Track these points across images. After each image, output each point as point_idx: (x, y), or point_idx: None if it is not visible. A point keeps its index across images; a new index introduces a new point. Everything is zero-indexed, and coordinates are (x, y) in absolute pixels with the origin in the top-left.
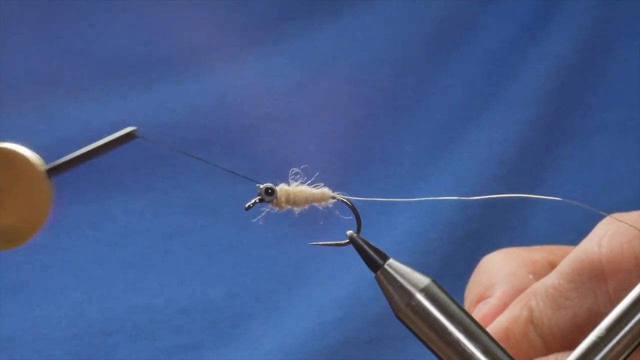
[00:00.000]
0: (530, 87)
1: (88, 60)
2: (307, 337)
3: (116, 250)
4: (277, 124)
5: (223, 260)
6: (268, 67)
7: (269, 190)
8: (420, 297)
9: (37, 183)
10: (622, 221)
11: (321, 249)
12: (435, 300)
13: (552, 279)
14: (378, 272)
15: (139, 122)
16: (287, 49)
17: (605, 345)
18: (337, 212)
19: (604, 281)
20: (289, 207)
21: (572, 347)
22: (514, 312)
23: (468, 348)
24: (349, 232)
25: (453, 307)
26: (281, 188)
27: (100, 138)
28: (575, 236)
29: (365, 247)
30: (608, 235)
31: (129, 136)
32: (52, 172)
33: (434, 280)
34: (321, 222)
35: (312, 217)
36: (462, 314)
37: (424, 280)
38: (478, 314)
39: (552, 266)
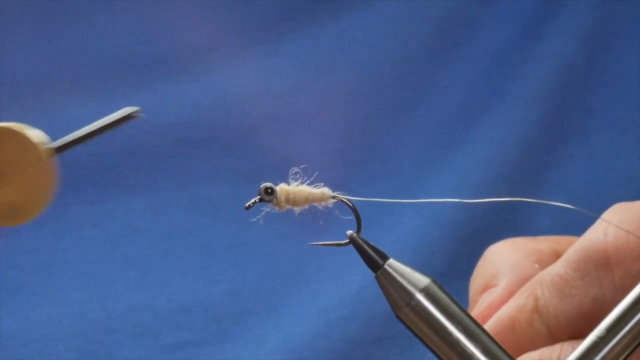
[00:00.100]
0: (531, 86)
1: (88, 60)
2: (310, 336)
3: (117, 249)
4: (277, 124)
5: (224, 259)
6: (268, 67)
7: (269, 190)
8: (420, 297)
9: (41, 160)
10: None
11: (322, 248)
12: (435, 300)
13: (557, 267)
14: (378, 272)
15: (140, 122)
16: (288, 48)
17: (605, 345)
18: (337, 212)
19: (609, 270)
20: (289, 206)
21: (577, 336)
22: (519, 301)
23: (468, 348)
24: (349, 232)
25: (453, 307)
26: (281, 188)
27: (100, 138)
28: (578, 235)
29: (365, 247)
30: (614, 224)
31: (129, 116)
32: (57, 150)
33: (434, 280)
34: (321, 222)
35: (313, 216)
36: (462, 314)
37: (424, 280)
38: (483, 303)
39: (557, 256)
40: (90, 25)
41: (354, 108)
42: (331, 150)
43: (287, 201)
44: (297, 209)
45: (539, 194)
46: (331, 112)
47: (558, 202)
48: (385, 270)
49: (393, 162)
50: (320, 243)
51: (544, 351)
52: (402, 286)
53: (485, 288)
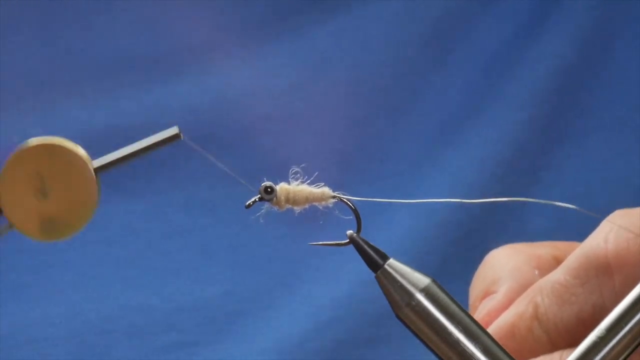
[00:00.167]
0: (528, 87)
1: (86, 60)
2: (303, 336)
3: (114, 250)
4: (275, 124)
5: (220, 259)
6: (266, 67)
7: (269, 189)
8: (420, 297)
9: (85, 178)
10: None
11: (318, 248)
12: (436, 300)
13: (557, 274)
14: (378, 272)
15: (137, 122)
16: (285, 48)
17: (605, 345)
18: (337, 212)
19: (610, 277)
20: (289, 206)
21: (577, 344)
22: (519, 308)
23: (468, 348)
24: (349, 232)
25: (453, 307)
26: (281, 187)
27: (96, 139)
28: (573, 237)
29: (366, 247)
30: (614, 231)
31: (173, 137)
32: (100, 168)
33: (434, 280)
34: (321, 222)
35: (311, 216)
36: (462, 314)
37: (424, 280)
38: (483, 309)
39: (557, 261)
40: (88, 25)
41: (350, 108)
42: (327, 150)
43: (287, 200)
44: (297, 209)
45: (533, 195)
46: (328, 112)
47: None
48: (386, 270)
49: (388, 162)
50: (321, 243)
51: (544, 358)
52: (402, 286)
53: (486, 294)
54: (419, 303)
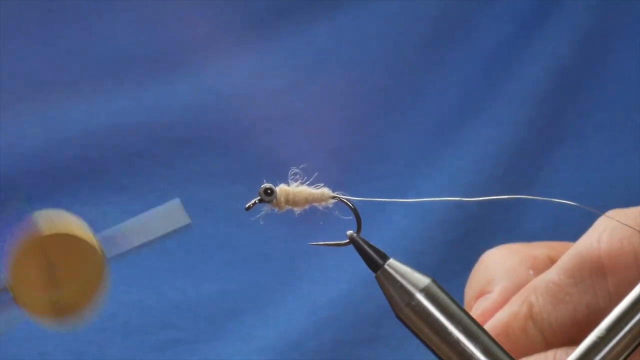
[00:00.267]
0: (526, 86)
1: (85, 60)
2: (300, 335)
3: None
4: (272, 123)
5: (217, 258)
6: (262, 67)
7: (269, 191)
8: (420, 297)
9: (95, 266)
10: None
11: (316, 247)
12: (435, 300)
13: (552, 274)
14: (378, 272)
15: (137, 121)
16: (284, 47)
17: (605, 345)
18: (336, 212)
19: (603, 277)
20: (289, 207)
21: (571, 343)
22: (513, 308)
23: (468, 348)
24: (349, 232)
25: (453, 307)
26: (281, 188)
27: (94, 139)
28: (571, 237)
29: (366, 247)
30: (608, 231)
31: (185, 228)
32: (111, 257)
33: (434, 280)
34: (321, 222)
35: (310, 216)
36: (462, 314)
37: (424, 280)
38: (478, 309)
39: (552, 262)
40: (87, 25)
41: (349, 108)
42: (326, 149)
43: (287, 202)
44: (297, 210)
45: (531, 194)
46: (326, 111)
47: (551, 204)
48: (386, 270)
49: (386, 162)
50: (321, 243)
51: (538, 358)
52: (402, 286)
53: (480, 294)
54: (419, 303)
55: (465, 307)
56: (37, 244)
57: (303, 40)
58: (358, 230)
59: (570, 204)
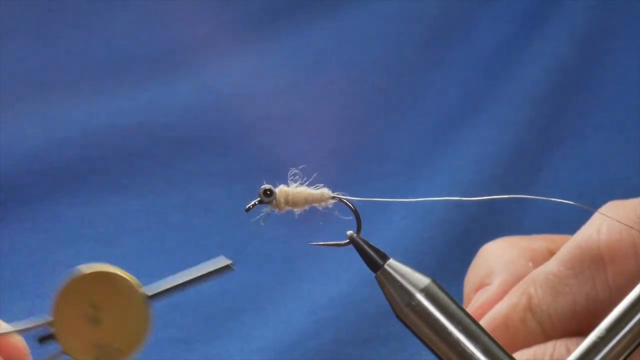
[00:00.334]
0: (526, 87)
1: (85, 60)
2: (300, 335)
3: (110, 249)
4: (272, 123)
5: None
6: (263, 66)
7: (268, 192)
8: (420, 297)
9: (136, 307)
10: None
11: (316, 247)
12: (435, 300)
13: (551, 265)
14: (378, 272)
15: (136, 121)
16: (282, 47)
17: (605, 345)
18: (336, 213)
19: (602, 268)
20: (289, 208)
21: (571, 334)
22: (512, 299)
23: (468, 348)
24: (349, 232)
25: (453, 307)
26: (280, 189)
27: (94, 139)
28: (570, 235)
29: (366, 247)
30: (607, 222)
31: (225, 268)
32: (152, 297)
33: (434, 281)
34: (321, 223)
35: (309, 217)
36: (462, 314)
37: (424, 280)
38: (477, 301)
39: (551, 254)
40: (87, 26)
41: (347, 108)
42: (326, 150)
43: (287, 202)
44: (296, 210)
45: (531, 194)
46: (326, 111)
47: (550, 204)
48: (386, 270)
49: (386, 162)
50: (321, 243)
51: (537, 349)
52: (402, 286)
53: (480, 286)
54: (419, 303)
55: (465, 299)
56: (79, 283)
57: (303, 41)
58: (358, 231)
59: (570, 204)
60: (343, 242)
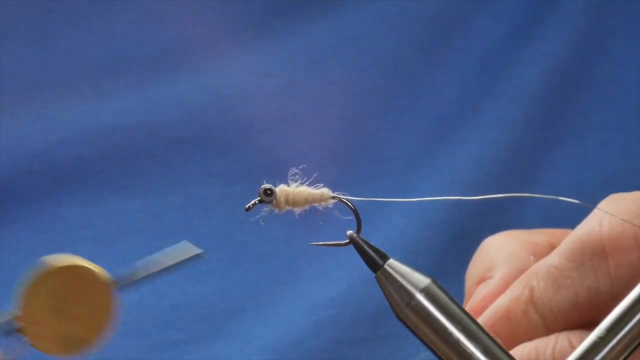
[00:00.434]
0: (524, 86)
1: (82, 60)
2: (299, 335)
3: (110, 249)
4: (272, 123)
5: (216, 258)
6: (262, 66)
7: (268, 191)
8: (420, 297)
9: (103, 297)
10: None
11: (315, 247)
12: (435, 300)
13: (553, 258)
14: (378, 272)
15: (135, 122)
16: (282, 47)
17: (606, 345)
18: (336, 212)
19: (604, 260)
20: (289, 207)
21: (573, 327)
22: (515, 292)
23: (468, 348)
24: (349, 232)
25: (453, 307)
26: (280, 189)
27: (93, 140)
28: (571, 230)
29: (366, 247)
30: (609, 215)
31: (194, 257)
32: (118, 287)
33: (434, 281)
34: (321, 223)
35: (309, 216)
36: (462, 314)
37: (424, 280)
38: (479, 295)
39: (552, 248)
40: (86, 26)
41: (347, 108)
42: (324, 149)
43: (287, 202)
44: (296, 210)
45: (530, 194)
46: (324, 111)
47: (549, 203)
48: (386, 270)
49: (384, 162)
50: (321, 243)
51: (540, 342)
52: (402, 286)
53: (481, 280)
54: (419, 303)
55: (466, 292)
56: (45, 276)
57: (302, 41)
58: (358, 230)
59: (569, 201)
60: (343, 242)
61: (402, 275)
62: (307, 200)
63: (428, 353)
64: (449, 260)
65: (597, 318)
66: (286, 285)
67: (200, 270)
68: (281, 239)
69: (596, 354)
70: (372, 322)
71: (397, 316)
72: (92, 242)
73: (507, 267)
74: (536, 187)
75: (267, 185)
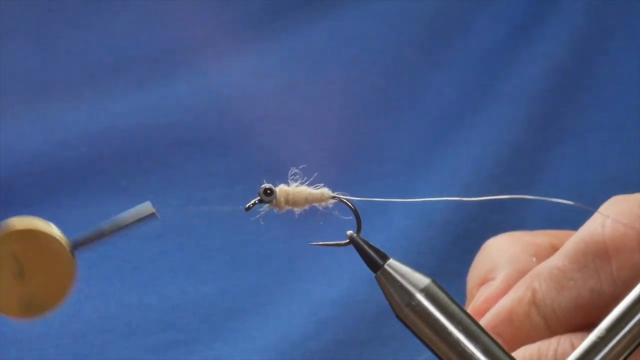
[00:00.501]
0: (524, 86)
1: (82, 61)
2: (301, 336)
3: (109, 250)
4: (271, 123)
5: (217, 259)
6: (262, 66)
7: (268, 191)
8: (420, 297)
9: (60, 258)
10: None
11: (316, 247)
12: (436, 300)
13: (555, 260)
14: (378, 273)
15: (135, 123)
16: (282, 47)
17: (606, 345)
18: (336, 212)
19: (607, 261)
20: (289, 207)
21: (575, 329)
22: (517, 294)
23: (468, 348)
24: (349, 232)
25: (453, 307)
26: (280, 189)
27: (93, 141)
28: (573, 231)
29: (366, 247)
30: (612, 216)
31: (149, 216)
32: (76, 247)
33: (434, 281)
34: (321, 223)
35: (309, 216)
36: (462, 314)
37: (424, 280)
38: (481, 296)
39: (555, 249)
40: (85, 27)
41: (347, 108)
42: (324, 150)
43: (287, 202)
44: (296, 210)
45: (530, 194)
46: (324, 111)
47: (550, 203)
48: (386, 270)
49: (384, 162)
50: (321, 243)
51: (542, 344)
52: (402, 286)
53: (483, 281)
54: (419, 303)
55: (468, 294)
56: (4, 240)
57: (302, 41)
58: (358, 231)
59: (570, 204)
60: (343, 242)
61: (402, 275)
62: (307, 200)
63: (429, 354)
64: (451, 260)
65: (599, 320)
66: (286, 285)
67: (201, 270)
68: (281, 239)
69: (596, 354)
70: (372, 323)
71: (397, 316)
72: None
73: (509, 269)
74: (536, 187)
75: (267, 185)
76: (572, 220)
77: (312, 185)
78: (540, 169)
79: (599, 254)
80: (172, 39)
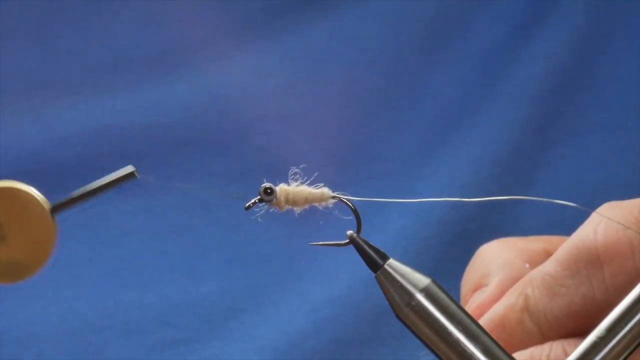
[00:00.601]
0: (523, 86)
1: (80, 61)
2: (299, 335)
3: (108, 249)
4: (271, 123)
5: (215, 258)
6: (262, 66)
7: (269, 191)
8: (420, 297)
9: (41, 220)
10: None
11: (315, 247)
12: (435, 300)
13: (548, 266)
14: (378, 272)
15: (134, 122)
16: (281, 47)
17: (606, 345)
18: (336, 212)
19: (599, 268)
20: (289, 207)
21: (568, 335)
22: (510, 300)
23: (468, 348)
24: (349, 232)
25: (453, 307)
26: (281, 188)
27: (92, 140)
28: (569, 236)
29: (366, 247)
30: (604, 222)
31: (129, 176)
32: (56, 209)
33: (434, 281)
34: (321, 222)
35: (310, 216)
36: (462, 314)
37: (424, 280)
38: (474, 302)
39: (548, 255)
40: (85, 26)
41: (346, 108)
42: (324, 149)
43: (287, 201)
44: (296, 209)
45: (529, 194)
46: (323, 111)
47: (549, 203)
48: (386, 270)
49: (384, 162)
50: (321, 243)
51: (534, 350)
52: (402, 286)
53: (477, 287)
54: (419, 303)
55: (462, 300)
56: None
57: (302, 41)
58: (358, 230)
59: (568, 205)
60: (343, 242)
61: (402, 275)
62: (307, 200)
63: (429, 354)
64: (449, 260)
65: (592, 326)
66: (286, 285)
67: (200, 270)
68: (281, 239)
69: (596, 354)
70: (372, 322)
71: (397, 316)
72: (88, 241)
73: (503, 275)
74: (536, 187)
75: (268, 185)
76: (571, 221)
77: (312, 185)
78: (540, 169)
79: (591, 261)
80: (172, 39)
